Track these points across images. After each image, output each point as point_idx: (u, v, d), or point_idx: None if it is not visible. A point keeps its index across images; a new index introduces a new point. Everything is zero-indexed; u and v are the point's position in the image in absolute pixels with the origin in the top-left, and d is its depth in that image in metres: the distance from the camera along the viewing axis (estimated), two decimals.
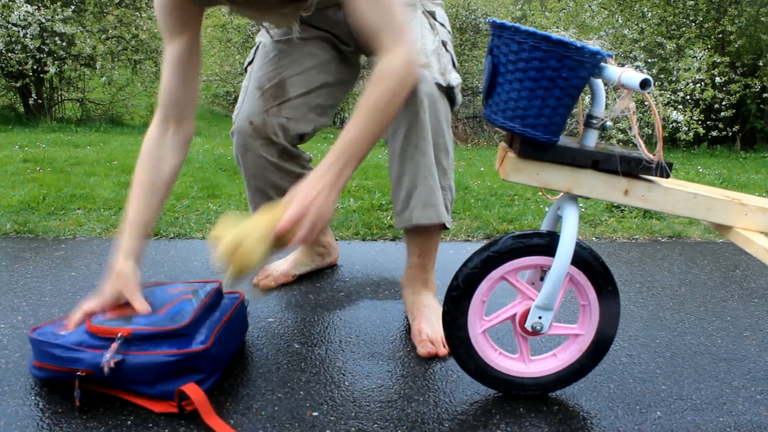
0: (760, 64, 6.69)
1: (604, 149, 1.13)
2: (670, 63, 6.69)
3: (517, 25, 1.03)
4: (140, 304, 1.21)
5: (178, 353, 1.13)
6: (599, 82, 1.10)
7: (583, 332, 1.23)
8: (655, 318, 1.68)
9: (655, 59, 6.90)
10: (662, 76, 6.78)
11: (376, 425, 1.15)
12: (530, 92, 1.04)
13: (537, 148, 1.09)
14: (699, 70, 6.39)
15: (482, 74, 1.22)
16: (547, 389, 1.25)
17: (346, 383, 1.29)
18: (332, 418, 1.16)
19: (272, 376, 1.31)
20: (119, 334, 1.13)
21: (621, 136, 6.20)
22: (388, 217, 2.51)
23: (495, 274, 1.18)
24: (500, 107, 1.08)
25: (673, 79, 6.57)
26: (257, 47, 1.58)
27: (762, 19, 6.80)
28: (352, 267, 1.97)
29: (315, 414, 1.18)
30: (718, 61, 6.46)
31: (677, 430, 1.17)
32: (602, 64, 1.05)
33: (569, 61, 1.00)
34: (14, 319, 1.53)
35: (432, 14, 1.52)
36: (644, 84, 0.99)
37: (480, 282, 1.18)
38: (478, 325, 1.21)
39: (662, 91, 6.46)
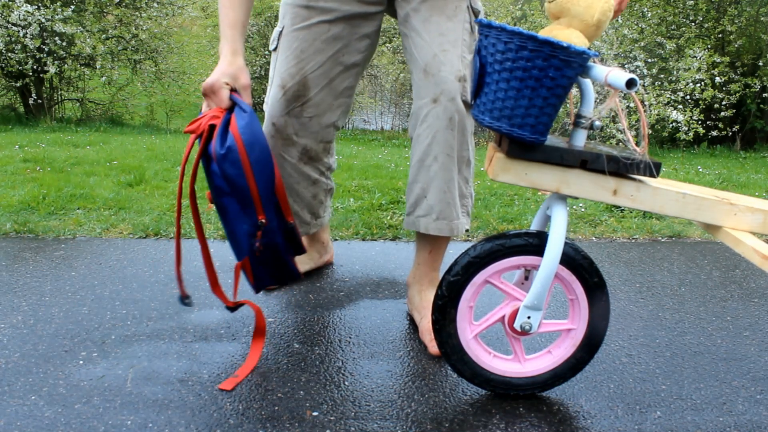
0: (760, 64, 6.68)
1: (593, 149, 1.13)
2: (670, 63, 6.68)
3: (503, 24, 1.02)
4: (248, 99, 1.32)
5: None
6: (588, 81, 1.10)
7: (574, 326, 1.23)
8: (655, 318, 1.68)
9: (655, 59, 6.89)
10: (662, 76, 6.78)
11: (376, 425, 1.15)
12: (517, 92, 1.03)
13: (525, 147, 1.09)
14: (699, 69, 6.38)
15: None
16: (545, 387, 1.25)
17: (346, 383, 1.29)
18: (332, 418, 1.16)
19: (272, 376, 1.31)
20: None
21: (621, 135, 6.20)
22: (388, 217, 2.51)
23: (478, 278, 1.18)
24: (487, 107, 1.08)
25: (673, 79, 6.57)
26: (281, 32, 1.56)
27: (762, 18, 6.80)
28: (352, 267, 1.97)
29: (315, 414, 1.18)
30: (718, 60, 6.46)
31: (677, 430, 1.17)
32: (589, 63, 1.05)
33: (555, 60, 1.00)
34: (14, 319, 1.53)
35: (476, 14, 1.50)
36: (630, 83, 0.98)
37: (464, 289, 1.18)
38: (469, 330, 1.21)
39: (662, 91, 6.46)
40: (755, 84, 6.57)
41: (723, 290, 1.89)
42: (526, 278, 1.27)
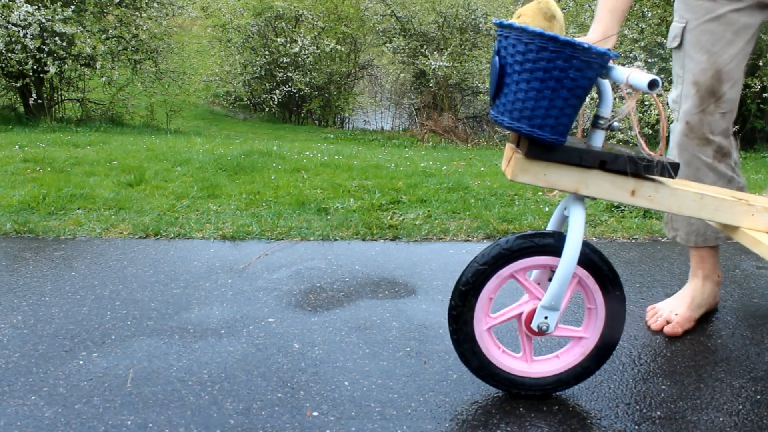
0: (760, 64, 6.68)
1: (612, 150, 1.13)
2: (670, 63, 6.68)
3: (524, 25, 1.03)
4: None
5: None
6: (606, 82, 1.10)
7: (587, 335, 1.23)
8: None
9: (655, 59, 6.89)
10: (662, 76, 6.77)
11: (376, 425, 1.15)
12: (537, 93, 1.04)
13: (544, 148, 1.09)
14: None
15: (489, 75, 1.24)
16: (547, 390, 1.25)
17: (346, 383, 1.29)
18: (332, 418, 1.16)
19: (272, 376, 1.31)
20: None
21: (621, 135, 6.19)
22: (388, 217, 2.51)
23: (505, 271, 1.18)
24: (507, 108, 1.08)
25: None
26: (684, 28, 1.52)
27: None
28: (352, 267, 1.97)
29: (315, 414, 1.18)
30: None
31: (677, 430, 1.17)
32: (610, 64, 1.05)
33: (576, 61, 1.01)
34: (14, 319, 1.53)
35: None
36: (652, 84, 0.99)
37: (489, 278, 1.18)
38: (484, 321, 1.21)
39: (662, 92, 6.45)
40: (755, 84, 6.57)
41: (723, 290, 1.89)
42: (549, 279, 1.27)
